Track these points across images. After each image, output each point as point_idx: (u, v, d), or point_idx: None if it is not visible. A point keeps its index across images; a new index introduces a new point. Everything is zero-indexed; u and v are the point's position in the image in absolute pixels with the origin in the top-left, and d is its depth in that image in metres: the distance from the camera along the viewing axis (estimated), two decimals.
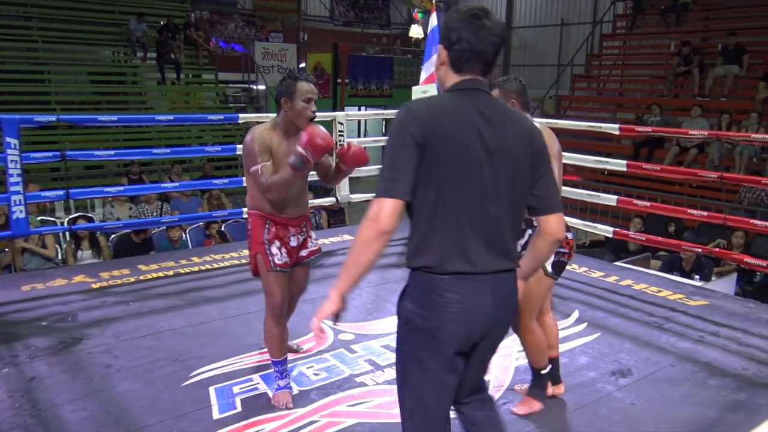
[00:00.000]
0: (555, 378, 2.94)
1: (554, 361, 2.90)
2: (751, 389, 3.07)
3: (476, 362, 1.88)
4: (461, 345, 1.78)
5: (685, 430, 2.72)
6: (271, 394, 2.89)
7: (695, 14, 13.26)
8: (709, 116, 10.36)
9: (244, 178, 3.00)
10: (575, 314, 3.98)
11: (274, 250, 2.81)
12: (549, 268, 2.74)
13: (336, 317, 1.81)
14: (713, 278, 5.73)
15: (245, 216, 3.19)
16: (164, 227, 6.14)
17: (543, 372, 2.81)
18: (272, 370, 2.90)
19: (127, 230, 5.90)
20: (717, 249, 4.55)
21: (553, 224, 1.87)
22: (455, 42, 1.76)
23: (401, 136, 1.70)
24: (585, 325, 3.82)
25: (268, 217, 2.82)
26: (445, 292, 1.74)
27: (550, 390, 2.90)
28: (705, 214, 4.79)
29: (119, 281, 4.46)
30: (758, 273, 6.17)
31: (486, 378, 2.05)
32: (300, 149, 2.55)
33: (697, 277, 5.57)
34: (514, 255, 1.83)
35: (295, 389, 2.96)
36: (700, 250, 4.67)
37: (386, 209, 1.68)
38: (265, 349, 3.31)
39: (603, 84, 14.40)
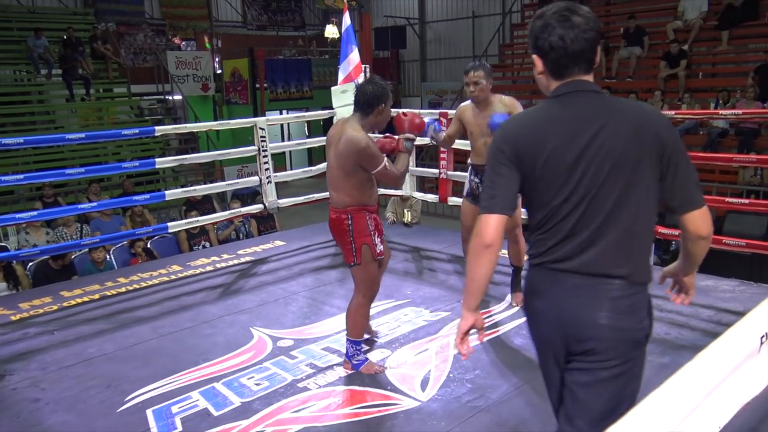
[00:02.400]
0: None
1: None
2: (674, 352, 3.25)
3: None
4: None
5: None
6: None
7: (597, 0, 13.85)
8: (618, 97, 10.85)
9: (330, 176, 3.13)
10: (508, 298, 4.09)
11: (377, 240, 3.10)
12: None
13: (479, 330, 1.87)
14: None
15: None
16: (86, 250, 5.90)
17: (522, 269, 3.82)
18: (351, 348, 3.15)
19: (45, 257, 5.62)
20: None
21: (695, 221, 1.73)
22: (548, 51, 1.72)
23: (495, 154, 1.77)
24: (517, 308, 3.93)
25: (367, 209, 3.07)
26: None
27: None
28: None
29: (41, 310, 4.25)
30: (673, 242, 6.51)
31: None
32: (407, 134, 3.15)
33: None
34: (628, 263, 1.70)
35: (237, 401, 2.91)
36: None
37: (488, 225, 1.75)
38: (203, 364, 3.28)
39: (517, 72, 14.82)
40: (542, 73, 1.77)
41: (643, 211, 1.70)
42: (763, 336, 1.98)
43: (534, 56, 1.76)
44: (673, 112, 6.15)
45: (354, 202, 3.03)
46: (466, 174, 4.13)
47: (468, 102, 3.78)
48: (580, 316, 1.71)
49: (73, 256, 5.97)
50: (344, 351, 3.24)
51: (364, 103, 2.99)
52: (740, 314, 3.69)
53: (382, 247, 3.14)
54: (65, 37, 12.28)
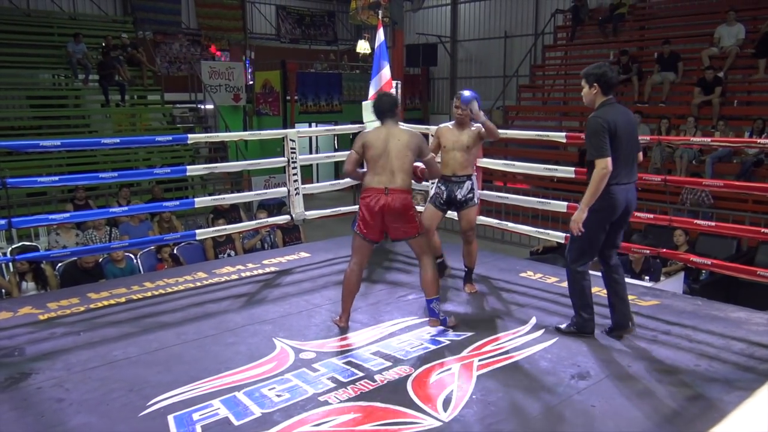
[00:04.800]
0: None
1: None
2: (705, 384, 3.16)
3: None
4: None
5: (644, 428, 2.78)
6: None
7: (631, 24, 13.77)
8: (649, 122, 10.75)
9: (400, 164, 3.86)
10: (533, 320, 4.04)
11: None
12: (476, 200, 4.57)
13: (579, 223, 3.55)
14: (662, 278, 5.91)
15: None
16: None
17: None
18: (436, 305, 3.92)
19: (74, 258, 5.71)
20: (664, 250, 4.69)
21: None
22: (606, 81, 3.52)
23: (602, 128, 3.42)
24: (543, 330, 3.87)
25: None
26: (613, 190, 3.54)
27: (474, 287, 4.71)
28: (651, 216, 4.94)
29: (68, 311, 4.30)
30: (703, 271, 6.39)
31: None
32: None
33: (647, 278, 5.73)
34: (634, 177, 3.63)
35: (258, 412, 2.91)
36: (648, 251, 4.81)
37: (607, 162, 3.39)
38: (225, 373, 3.29)
39: (548, 93, 14.77)
40: (597, 93, 3.56)
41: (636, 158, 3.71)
42: None
43: (594, 83, 3.54)
44: (708, 139, 6.08)
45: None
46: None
47: (447, 123, 4.62)
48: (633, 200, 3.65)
49: (100, 259, 6.05)
50: (364, 361, 3.21)
51: (389, 110, 3.91)
52: None
53: None
54: (104, 44, 12.56)
